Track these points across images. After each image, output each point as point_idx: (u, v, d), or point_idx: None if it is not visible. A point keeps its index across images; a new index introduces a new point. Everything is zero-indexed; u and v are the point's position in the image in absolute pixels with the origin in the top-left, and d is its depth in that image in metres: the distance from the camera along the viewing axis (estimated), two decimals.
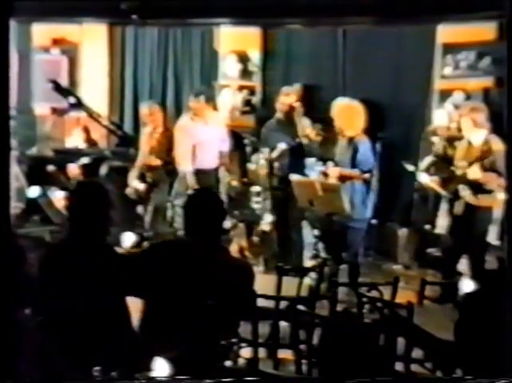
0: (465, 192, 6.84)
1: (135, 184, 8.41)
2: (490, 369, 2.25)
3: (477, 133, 6.89)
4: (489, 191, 6.73)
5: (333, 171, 7.36)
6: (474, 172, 6.73)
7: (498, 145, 6.62)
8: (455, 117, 7.80)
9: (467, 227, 6.88)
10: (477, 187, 6.76)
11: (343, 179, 7.32)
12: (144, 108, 8.71)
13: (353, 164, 7.36)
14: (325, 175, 7.41)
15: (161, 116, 8.54)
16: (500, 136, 6.64)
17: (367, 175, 7.35)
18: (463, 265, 7.05)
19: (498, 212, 6.99)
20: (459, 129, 7.19)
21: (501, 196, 6.68)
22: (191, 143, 8.13)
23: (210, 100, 8.45)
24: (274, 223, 8.10)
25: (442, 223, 7.75)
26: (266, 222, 8.13)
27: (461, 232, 6.98)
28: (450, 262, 7.12)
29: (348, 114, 7.49)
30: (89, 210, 3.97)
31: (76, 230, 3.98)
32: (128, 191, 8.42)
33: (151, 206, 8.43)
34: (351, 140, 7.41)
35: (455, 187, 6.94)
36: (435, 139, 8.13)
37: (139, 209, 8.58)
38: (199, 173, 8.08)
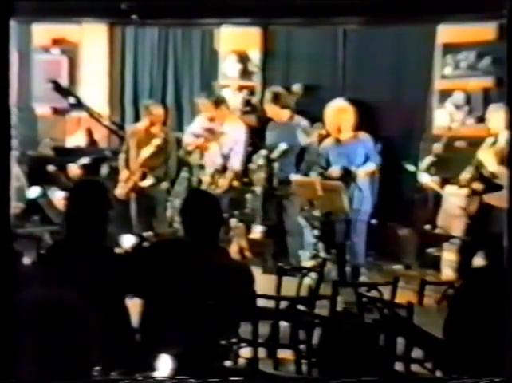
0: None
1: (143, 183, 8.30)
2: (488, 368, 2.25)
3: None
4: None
5: (334, 172, 7.43)
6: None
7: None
8: (457, 117, 7.89)
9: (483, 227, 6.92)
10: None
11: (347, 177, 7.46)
12: (145, 106, 8.64)
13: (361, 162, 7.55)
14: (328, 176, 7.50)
15: (162, 116, 8.49)
16: None
17: (375, 169, 7.51)
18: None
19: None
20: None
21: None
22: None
23: (223, 102, 8.68)
24: (265, 232, 8.16)
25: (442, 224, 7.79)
26: (258, 231, 8.17)
27: (477, 232, 7.01)
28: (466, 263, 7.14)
29: (337, 116, 7.67)
30: (87, 208, 3.96)
31: (74, 228, 3.97)
32: (119, 191, 8.25)
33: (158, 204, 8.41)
34: (352, 139, 7.53)
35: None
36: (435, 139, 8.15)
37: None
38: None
